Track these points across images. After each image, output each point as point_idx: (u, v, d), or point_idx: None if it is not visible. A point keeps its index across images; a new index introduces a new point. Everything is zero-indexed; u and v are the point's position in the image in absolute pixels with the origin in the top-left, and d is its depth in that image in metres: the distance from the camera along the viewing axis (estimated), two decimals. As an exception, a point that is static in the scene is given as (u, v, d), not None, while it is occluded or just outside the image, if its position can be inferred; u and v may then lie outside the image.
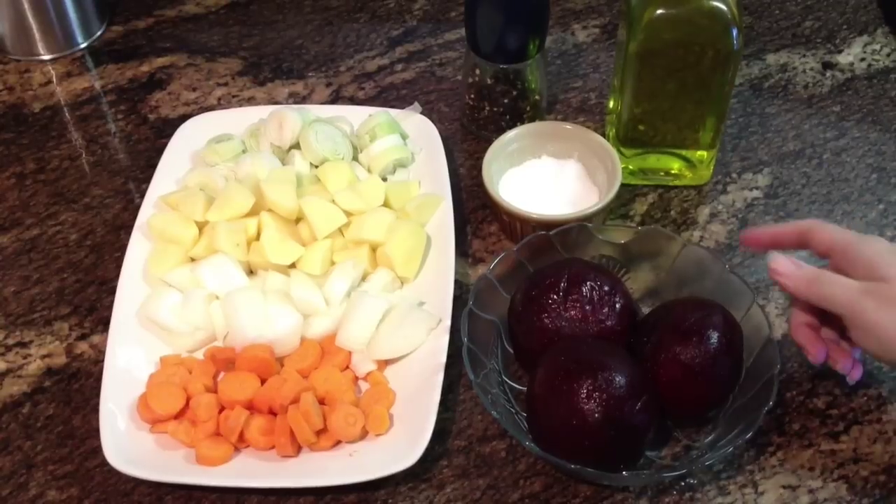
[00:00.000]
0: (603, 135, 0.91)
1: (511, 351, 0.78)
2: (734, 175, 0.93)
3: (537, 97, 0.94)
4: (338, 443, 0.73)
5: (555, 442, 0.68)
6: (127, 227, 0.86)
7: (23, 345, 0.82)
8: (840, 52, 1.05)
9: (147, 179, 0.89)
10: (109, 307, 0.80)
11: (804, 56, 1.05)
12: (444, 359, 0.75)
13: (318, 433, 0.72)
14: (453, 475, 0.73)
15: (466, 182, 0.93)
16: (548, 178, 0.89)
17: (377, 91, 1.03)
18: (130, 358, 0.77)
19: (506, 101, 0.93)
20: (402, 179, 0.90)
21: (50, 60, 1.07)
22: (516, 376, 0.78)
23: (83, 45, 1.08)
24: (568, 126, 0.90)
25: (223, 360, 0.77)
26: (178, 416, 0.74)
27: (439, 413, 0.72)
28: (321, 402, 0.74)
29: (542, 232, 0.78)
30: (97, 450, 0.72)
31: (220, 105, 1.02)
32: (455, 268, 0.80)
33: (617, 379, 0.67)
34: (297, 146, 0.90)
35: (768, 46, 1.06)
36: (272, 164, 0.88)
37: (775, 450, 0.74)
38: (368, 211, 0.84)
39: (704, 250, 0.77)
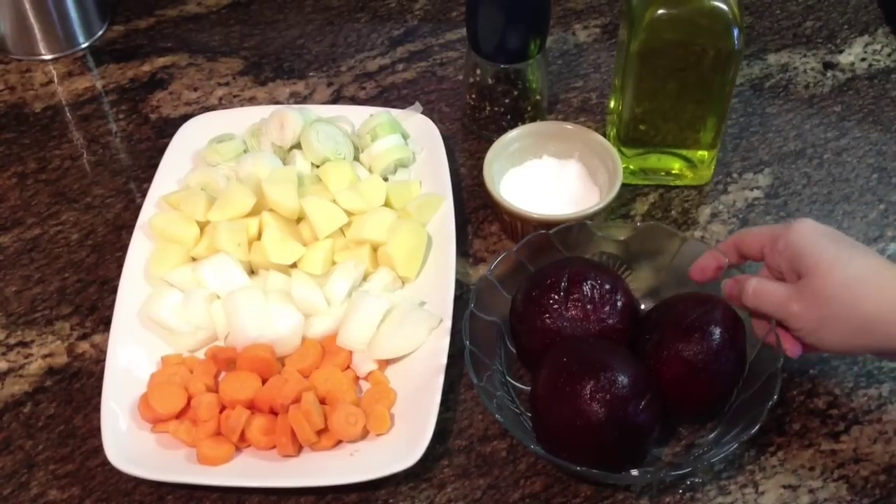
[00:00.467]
0: (604, 135, 0.91)
1: (513, 351, 0.78)
2: (735, 175, 0.93)
3: (538, 97, 0.94)
4: (339, 442, 0.73)
5: (559, 443, 0.68)
6: (128, 227, 0.86)
7: (24, 344, 0.82)
8: (841, 52, 1.05)
9: (148, 179, 0.90)
10: (111, 307, 0.80)
11: (805, 56, 1.05)
12: (444, 359, 0.75)
13: (319, 433, 0.72)
14: (454, 475, 0.73)
15: (467, 182, 0.93)
16: (549, 177, 0.89)
17: (378, 91, 1.03)
18: (132, 357, 0.77)
19: (507, 100, 0.93)
20: (404, 179, 0.90)
21: (51, 60, 1.07)
22: (518, 375, 0.78)
23: (84, 45, 1.08)
24: (569, 126, 0.90)
25: (224, 360, 0.77)
26: (180, 415, 0.74)
27: (440, 412, 0.72)
28: (322, 401, 0.74)
29: (542, 231, 0.78)
30: (98, 449, 0.72)
31: (221, 105, 1.02)
32: (456, 268, 0.80)
33: (620, 379, 0.67)
34: (298, 146, 0.90)
35: (769, 46, 1.06)
36: (273, 164, 0.88)
37: (776, 450, 0.74)
38: (369, 211, 0.84)
39: (704, 245, 0.77)
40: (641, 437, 0.69)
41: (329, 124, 0.90)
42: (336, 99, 1.02)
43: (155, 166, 0.90)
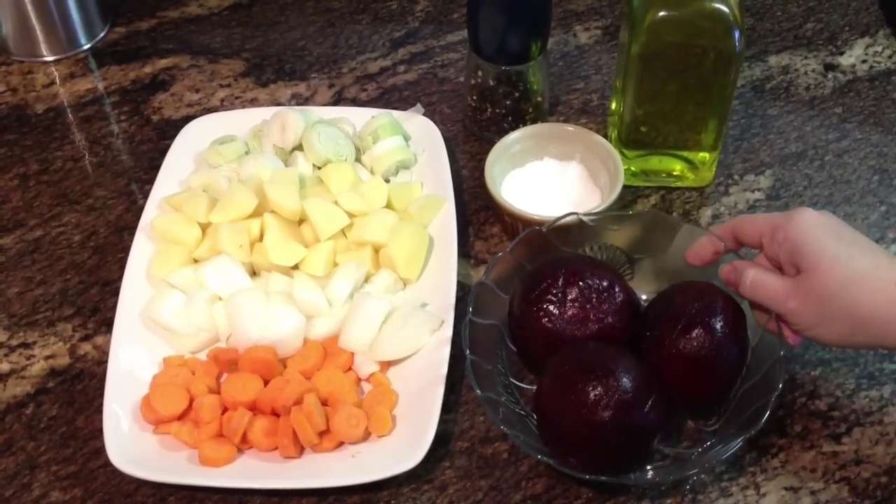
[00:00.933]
0: (605, 136, 0.91)
1: (514, 349, 0.77)
2: (736, 177, 0.93)
3: (539, 99, 0.95)
4: (340, 444, 0.73)
5: (567, 448, 0.68)
6: (130, 229, 0.86)
7: (26, 346, 0.82)
8: (842, 53, 1.05)
9: (150, 181, 0.90)
10: (113, 308, 0.80)
11: (806, 58, 1.05)
12: (446, 360, 0.75)
13: (321, 434, 0.72)
14: (455, 476, 0.73)
15: (469, 183, 0.93)
16: (550, 179, 0.89)
17: (379, 92, 1.03)
18: (134, 359, 0.77)
19: (508, 102, 0.93)
20: (405, 181, 0.90)
21: (53, 62, 1.07)
22: (521, 376, 0.78)
23: (86, 47, 1.09)
24: (570, 128, 0.90)
25: (226, 362, 0.77)
26: (182, 417, 0.74)
27: (441, 414, 0.72)
28: (324, 403, 0.74)
29: (534, 228, 0.78)
30: (100, 451, 0.72)
31: (222, 106, 1.02)
32: (457, 269, 0.80)
33: (624, 383, 0.67)
34: (299, 147, 0.91)
35: (770, 48, 1.06)
36: (275, 166, 0.88)
37: (777, 451, 0.74)
38: (371, 212, 0.84)
39: (703, 230, 0.76)
40: (648, 438, 0.69)
41: (330, 126, 0.90)
42: (337, 100, 1.02)
43: (157, 168, 0.90)
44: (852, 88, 1.02)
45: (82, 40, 1.08)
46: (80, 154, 0.98)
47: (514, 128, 0.91)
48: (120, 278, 0.81)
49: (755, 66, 1.04)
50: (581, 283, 0.73)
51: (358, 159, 0.91)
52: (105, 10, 1.10)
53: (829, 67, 1.04)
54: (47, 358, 0.81)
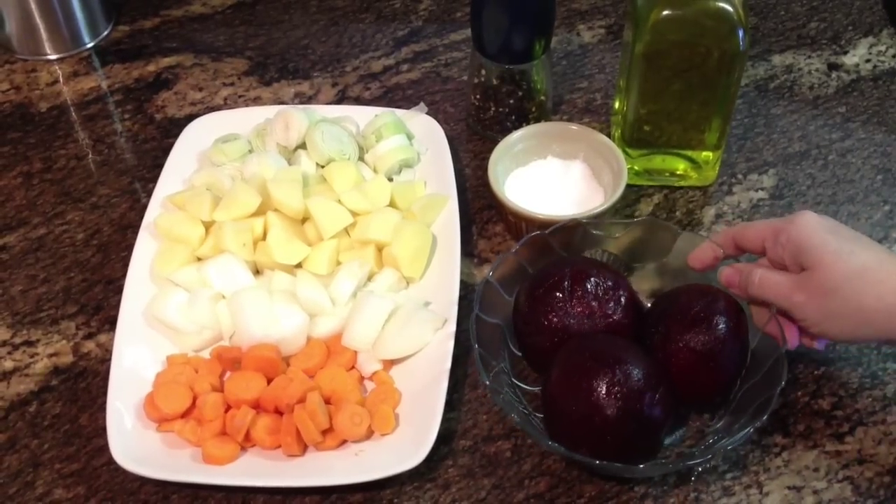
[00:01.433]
0: (608, 135, 0.91)
1: (517, 353, 0.78)
2: (739, 176, 0.93)
3: (543, 98, 0.94)
4: (343, 442, 0.73)
5: (576, 440, 0.68)
6: (133, 227, 0.87)
7: (30, 344, 0.82)
8: (845, 53, 1.05)
9: (154, 179, 0.90)
10: (116, 306, 0.80)
11: (810, 57, 1.05)
12: (449, 359, 0.75)
13: (324, 433, 0.72)
14: (458, 475, 0.73)
15: (472, 182, 0.93)
16: (553, 178, 0.89)
17: (383, 91, 1.03)
18: (137, 357, 0.77)
19: (511, 101, 0.93)
20: (408, 179, 0.90)
21: (57, 60, 1.07)
22: (523, 377, 0.78)
23: (90, 45, 1.09)
24: (573, 127, 0.90)
25: (229, 360, 0.77)
26: (185, 415, 0.74)
27: (445, 413, 0.72)
28: (327, 401, 0.74)
29: (538, 232, 0.78)
30: (104, 448, 0.72)
31: (226, 105, 1.02)
32: (461, 268, 0.80)
33: (634, 372, 0.68)
34: (303, 146, 0.91)
35: (774, 47, 1.06)
36: (278, 164, 0.88)
37: (780, 451, 0.74)
38: (374, 211, 0.84)
39: (701, 237, 0.77)
40: (657, 428, 0.69)
41: (334, 124, 0.91)
42: (341, 99, 1.02)
43: (160, 166, 0.90)
44: (856, 88, 1.02)
45: (86, 39, 1.08)
46: (83, 152, 0.98)
47: (517, 127, 0.91)
48: (123, 276, 0.82)
49: (759, 65, 1.04)
50: (587, 281, 0.74)
51: (361, 158, 0.91)
52: (109, 9, 1.11)
53: (833, 67, 1.04)
54: (51, 356, 0.81)
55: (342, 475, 0.71)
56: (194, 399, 0.74)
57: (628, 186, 0.86)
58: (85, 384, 0.79)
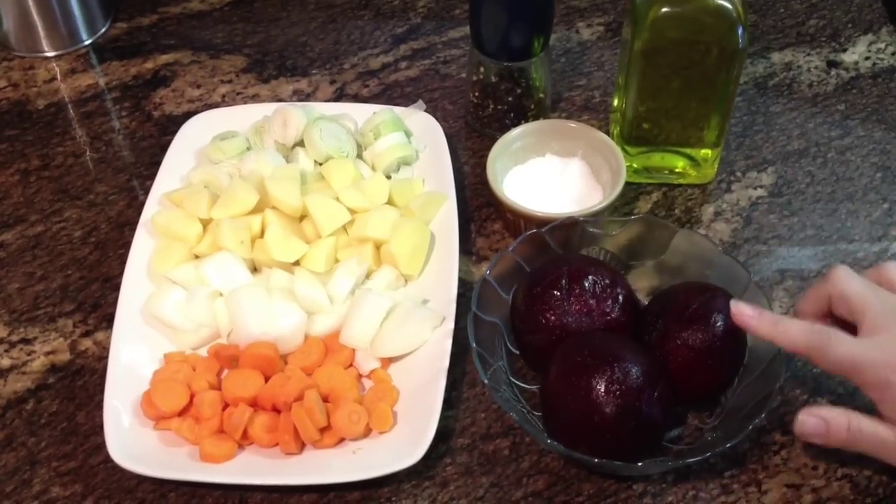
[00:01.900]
0: (607, 133, 0.91)
1: (515, 351, 0.78)
2: (738, 174, 0.93)
3: (541, 95, 0.94)
4: (341, 440, 0.73)
5: (575, 438, 0.68)
6: (131, 224, 0.86)
7: (27, 341, 0.82)
8: (845, 50, 1.05)
9: (151, 176, 0.90)
10: (113, 304, 0.80)
11: (809, 54, 1.05)
12: (447, 357, 0.75)
13: (322, 431, 0.72)
14: (457, 473, 0.73)
15: (470, 180, 0.93)
16: (552, 176, 0.89)
17: (381, 88, 1.03)
18: (134, 355, 0.77)
19: (510, 98, 0.93)
20: (406, 177, 0.90)
21: (54, 57, 1.07)
22: (520, 374, 0.78)
23: (87, 42, 1.08)
24: (572, 124, 0.90)
25: (227, 358, 0.77)
26: (182, 413, 0.74)
27: (443, 411, 0.72)
28: (325, 399, 0.74)
29: (535, 230, 0.78)
30: (101, 446, 0.72)
31: (224, 102, 1.02)
32: (459, 266, 0.80)
33: (633, 370, 0.68)
34: (301, 144, 0.90)
35: (773, 45, 1.06)
36: (276, 162, 0.88)
37: (779, 448, 0.74)
38: (372, 209, 0.84)
39: (697, 234, 0.77)
40: (656, 426, 0.69)
41: (332, 122, 0.90)
42: (339, 96, 1.02)
43: (158, 163, 0.90)
44: (855, 85, 1.01)
45: (83, 36, 1.08)
46: (81, 150, 0.97)
47: (515, 124, 0.91)
48: (121, 274, 0.81)
49: (758, 62, 1.04)
50: (585, 279, 0.74)
51: (359, 155, 0.91)
52: (106, 6, 1.10)
53: (832, 64, 1.04)
54: (48, 354, 0.81)
55: (340, 473, 0.70)
56: (192, 397, 0.74)
57: (627, 184, 0.86)
58: (82, 382, 0.79)
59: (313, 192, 0.85)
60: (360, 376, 0.77)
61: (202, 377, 0.75)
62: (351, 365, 0.78)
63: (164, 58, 1.07)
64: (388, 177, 0.89)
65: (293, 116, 0.90)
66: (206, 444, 0.72)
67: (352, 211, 0.84)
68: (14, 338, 0.82)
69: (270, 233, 0.82)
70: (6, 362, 0.80)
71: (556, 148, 0.90)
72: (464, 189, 0.92)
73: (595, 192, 0.87)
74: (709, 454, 0.68)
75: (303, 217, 0.85)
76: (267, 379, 0.75)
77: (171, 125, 0.97)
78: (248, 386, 0.74)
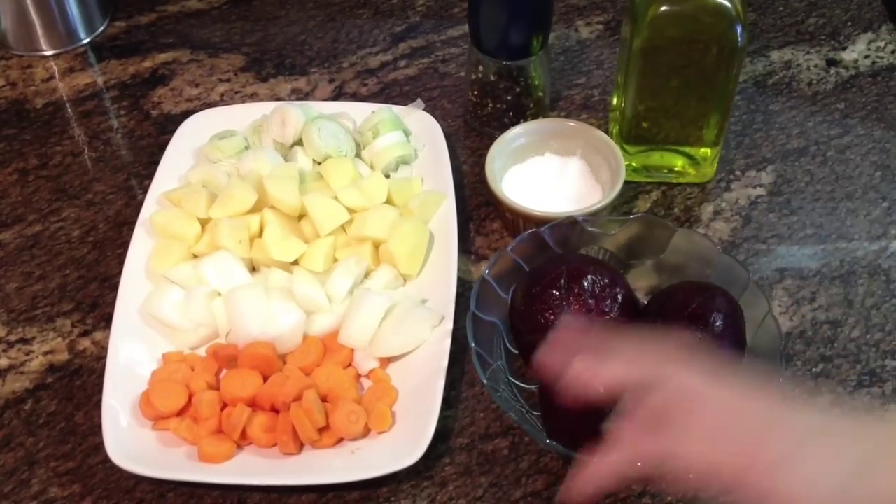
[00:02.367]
0: (606, 132, 0.91)
1: (514, 351, 0.77)
2: (738, 172, 0.93)
3: (540, 94, 0.94)
4: (340, 440, 0.73)
5: (574, 437, 0.68)
6: (129, 224, 0.86)
7: (25, 341, 0.82)
8: (844, 49, 1.05)
9: (149, 175, 0.89)
10: (112, 304, 0.79)
11: (808, 53, 1.05)
12: (446, 357, 0.75)
13: (321, 431, 0.72)
14: (456, 473, 0.73)
15: (469, 179, 0.93)
16: (551, 175, 0.88)
17: (380, 87, 1.02)
18: (133, 354, 0.77)
19: (509, 97, 0.93)
20: (405, 176, 0.90)
21: (52, 56, 1.07)
22: (520, 374, 0.77)
23: (86, 41, 1.08)
24: (571, 123, 0.90)
25: (225, 357, 0.77)
26: (181, 413, 0.74)
27: (442, 411, 0.72)
28: (323, 399, 0.74)
29: (534, 230, 0.78)
30: (99, 446, 0.72)
31: (222, 101, 1.01)
32: (458, 265, 0.80)
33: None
34: (299, 143, 0.90)
35: (772, 43, 1.06)
36: (275, 161, 0.88)
37: (778, 448, 0.74)
38: (371, 208, 0.84)
39: (696, 233, 0.77)
40: None
41: (331, 121, 0.90)
42: (338, 95, 1.02)
43: (156, 163, 0.90)
44: (855, 84, 1.01)
45: (81, 35, 1.08)
46: (79, 149, 0.97)
47: (514, 123, 0.91)
48: (119, 273, 0.81)
49: (757, 61, 1.04)
50: (584, 279, 0.73)
51: (358, 154, 0.91)
52: (104, 5, 1.10)
53: (832, 63, 1.04)
54: (46, 353, 0.81)
55: (339, 473, 0.70)
56: (190, 397, 0.74)
57: (626, 183, 0.85)
58: (80, 382, 0.79)
59: (312, 191, 0.85)
60: (358, 376, 0.77)
61: (201, 377, 0.75)
62: (350, 365, 0.77)
63: (163, 57, 1.07)
64: (387, 176, 0.89)
65: (292, 115, 0.89)
66: (204, 445, 0.72)
67: (350, 210, 0.84)
68: (12, 338, 0.82)
69: (269, 232, 0.82)
70: (4, 362, 0.80)
71: (555, 147, 0.90)
72: (463, 188, 0.92)
73: (594, 191, 0.87)
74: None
75: (301, 216, 0.84)
76: (265, 379, 0.75)
77: (169, 124, 0.97)
78: (246, 386, 0.74)
